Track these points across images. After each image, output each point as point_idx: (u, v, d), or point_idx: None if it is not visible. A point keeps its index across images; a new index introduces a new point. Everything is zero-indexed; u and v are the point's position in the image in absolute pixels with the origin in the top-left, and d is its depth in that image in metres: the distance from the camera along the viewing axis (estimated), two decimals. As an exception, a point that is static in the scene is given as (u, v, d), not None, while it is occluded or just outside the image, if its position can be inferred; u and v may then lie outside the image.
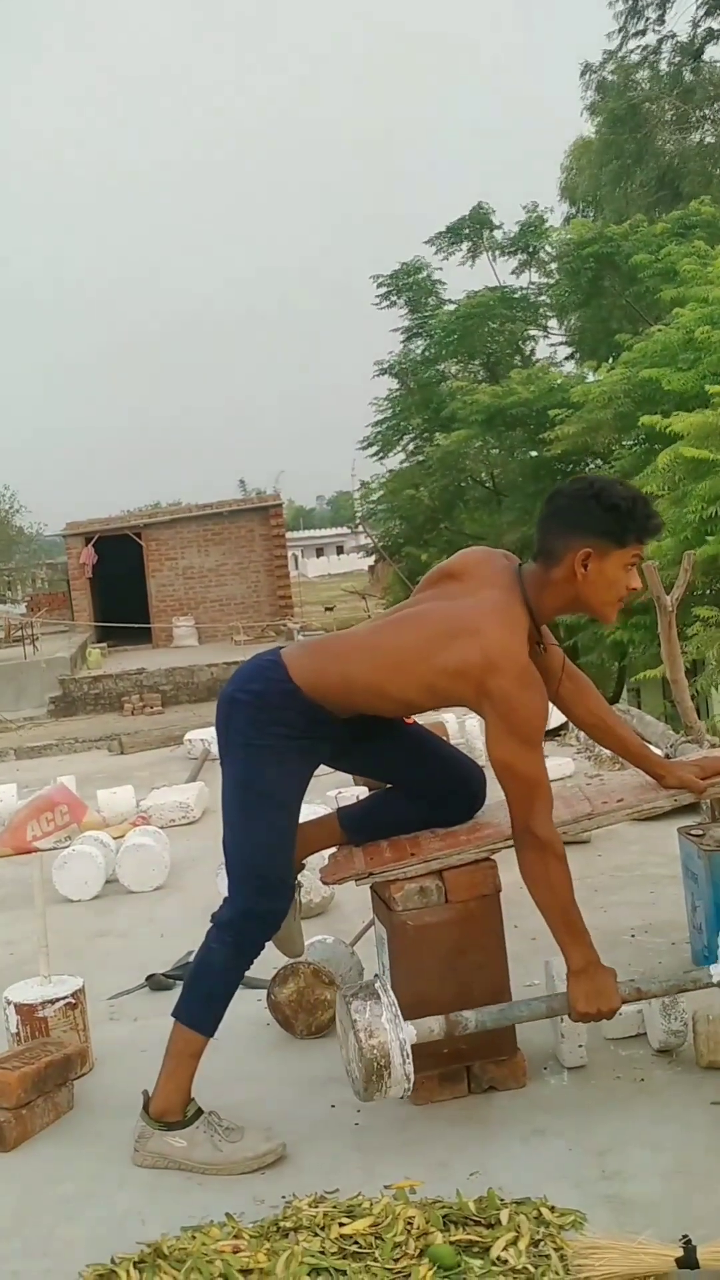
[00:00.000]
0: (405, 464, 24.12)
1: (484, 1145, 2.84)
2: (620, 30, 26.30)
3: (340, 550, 64.21)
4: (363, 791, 6.60)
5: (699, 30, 25.93)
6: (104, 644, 22.08)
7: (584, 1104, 2.99)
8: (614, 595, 2.93)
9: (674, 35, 26.18)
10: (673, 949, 3.99)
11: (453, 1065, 3.06)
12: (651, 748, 6.35)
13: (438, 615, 2.95)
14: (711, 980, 2.93)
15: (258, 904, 2.99)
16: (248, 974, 3.06)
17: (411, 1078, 2.70)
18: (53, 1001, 3.57)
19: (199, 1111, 2.95)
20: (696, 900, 3.74)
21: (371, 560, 33.09)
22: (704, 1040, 3.07)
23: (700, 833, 3.78)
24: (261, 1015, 3.76)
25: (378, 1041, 2.67)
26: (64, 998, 3.59)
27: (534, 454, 19.18)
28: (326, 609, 31.46)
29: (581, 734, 7.87)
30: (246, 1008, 3.79)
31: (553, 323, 24.19)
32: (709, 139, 25.09)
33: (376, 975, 2.83)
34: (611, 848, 5.44)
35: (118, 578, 23.79)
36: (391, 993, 2.77)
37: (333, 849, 3.36)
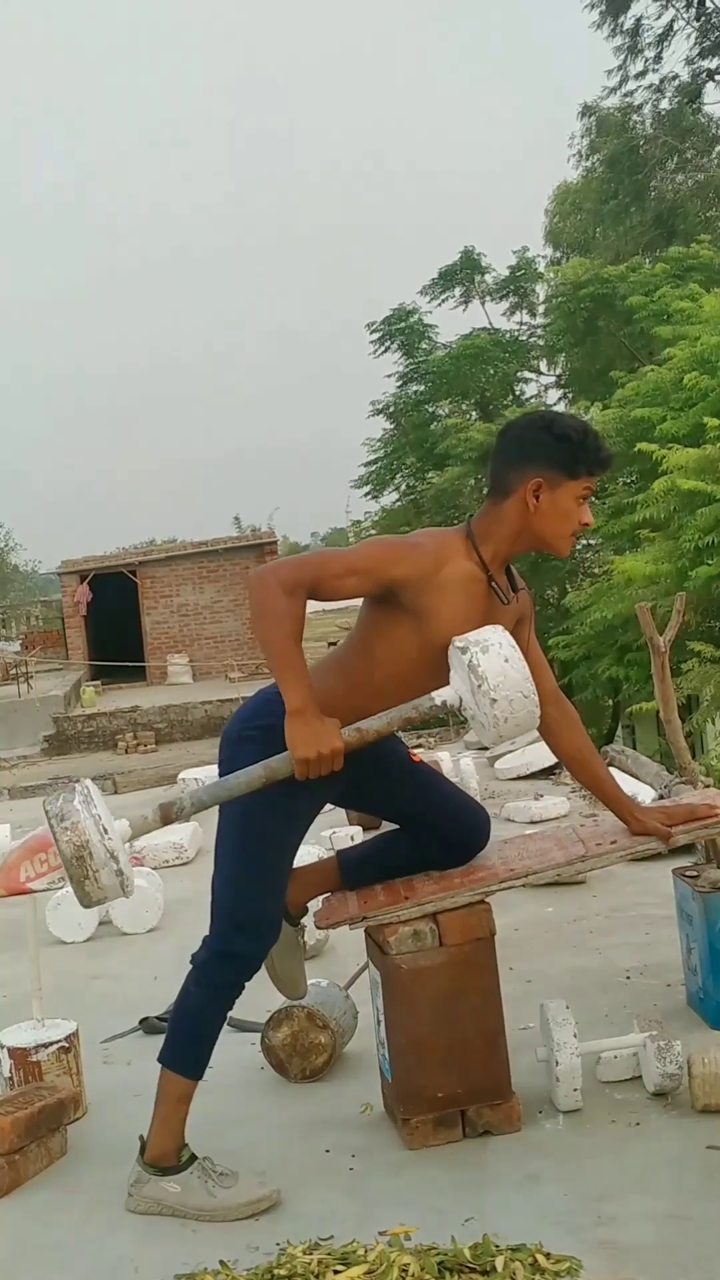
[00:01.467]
0: (398, 502, 24.23)
1: (479, 1191, 2.83)
2: (619, 69, 26.65)
3: (335, 587, 64.01)
4: (357, 832, 6.61)
5: (697, 72, 26.28)
6: (98, 682, 22.07)
7: (579, 1148, 2.98)
8: (567, 528, 2.93)
9: (676, 75, 26.53)
10: (668, 991, 3.98)
11: (447, 1110, 3.05)
12: (645, 788, 6.38)
13: None
14: (434, 703, 2.79)
15: (236, 945, 2.94)
16: (242, 1018, 3.05)
17: (119, 858, 2.60)
18: (46, 1045, 3.56)
19: (193, 1157, 2.93)
20: (691, 942, 3.74)
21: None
22: (699, 1083, 3.06)
23: (695, 874, 3.78)
24: (256, 1059, 3.74)
25: (70, 823, 2.58)
26: (58, 1042, 3.58)
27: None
28: (330, 644, 31.49)
29: (571, 775, 7.88)
30: (241, 1051, 3.78)
31: (544, 363, 24.36)
32: (703, 178, 25.33)
33: (81, 779, 2.78)
34: (607, 889, 5.44)
35: (112, 615, 23.83)
36: (91, 784, 2.70)
37: (328, 893, 3.35)
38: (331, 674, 2.98)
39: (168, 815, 2.76)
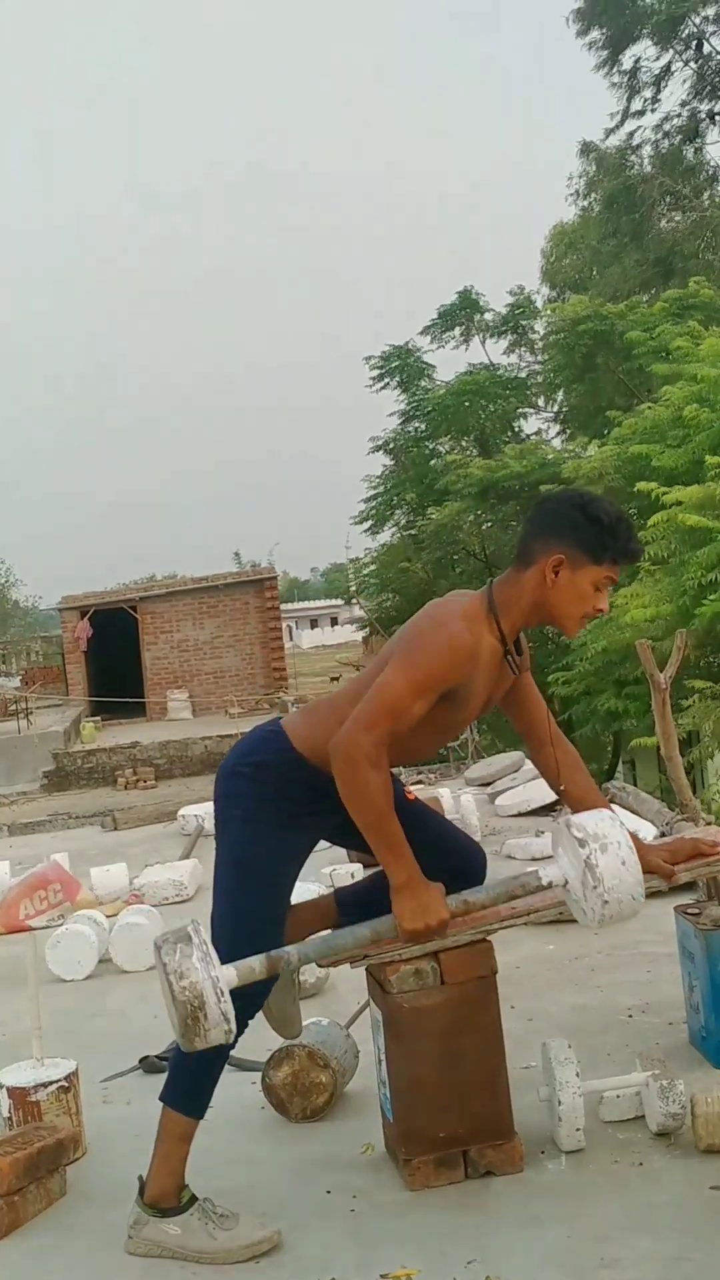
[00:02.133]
0: (398, 538, 24.31)
1: (481, 1232, 2.81)
2: (620, 112, 26.97)
3: (334, 622, 64.35)
4: (357, 869, 6.60)
5: (692, 112, 26.58)
6: (98, 717, 22.04)
7: (582, 1189, 2.96)
8: (578, 610, 2.93)
9: (678, 114, 26.84)
10: (670, 1029, 3.97)
11: (449, 1150, 3.03)
12: (646, 825, 6.37)
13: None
14: (541, 882, 2.84)
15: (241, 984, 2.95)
16: (242, 1057, 3.04)
17: (231, 1019, 2.61)
18: (45, 1085, 3.54)
19: (193, 1198, 2.91)
20: (693, 979, 3.73)
21: (365, 632, 33.21)
22: (702, 1123, 3.05)
23: (697, 911, 3.77)
24: (256, 1098, 3.72)
25: (189, 982, 2.59)
26: (57, 1081, 3.56)
27: (526, 528, 19.30)
28: (332, 679, 31.49)
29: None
30: (241, 1090, 3.76)
31: (543, 399, 24.52)
32: (698, 217, 25.57)
33: (193, 921, 2.77)
34: (608, 927, 5.41)
35: (112, 651, 23.85)
36: (204, 934, 2.71)
37: (328, 930, 3.34)
38: (333, 722, 2.98)
39: (274, 967, 2.80)
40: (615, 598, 12.49)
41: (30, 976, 3.75)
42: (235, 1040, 2.95)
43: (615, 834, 2.76)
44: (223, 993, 2.61)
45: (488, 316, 24.69)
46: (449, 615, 2.88)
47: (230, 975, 2.69)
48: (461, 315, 24.61)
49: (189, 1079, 2.95)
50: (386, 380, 24.34)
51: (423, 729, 2.91)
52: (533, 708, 3.14)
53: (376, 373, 24.34)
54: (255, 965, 2.76)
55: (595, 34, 26.51)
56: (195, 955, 2.63)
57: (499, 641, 2.93)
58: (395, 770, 3.01)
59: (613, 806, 3.19)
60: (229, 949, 2.96)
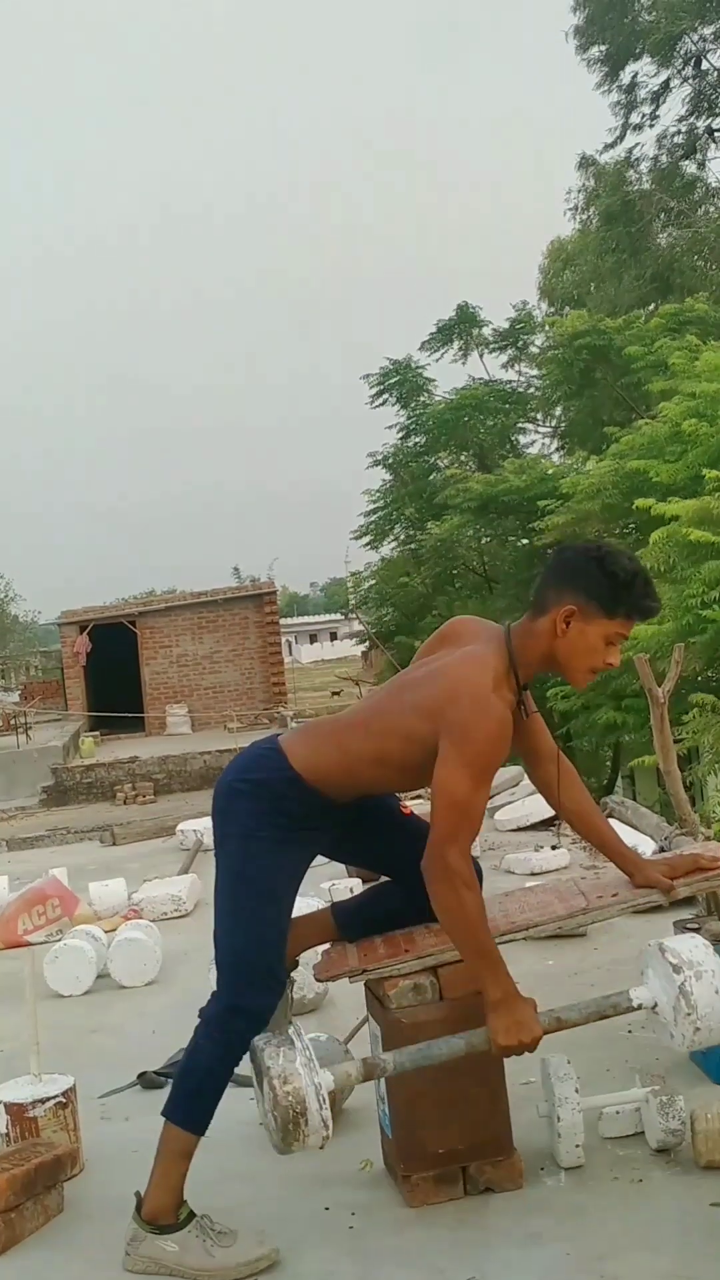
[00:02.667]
0: (397, 551, 24.35)
1: (481, 1250, 2.80)
2: (619, 126, 27.09)
3: (334, 636, 64.38)
4: (356, 884, 6.58)
5: (689, 128, 26.70)
6: (97, 732, 22.03)
7: (582, 1206, 2.95)
8: (588, 663, 2.93)
9: (678, 131, 26.97)
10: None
11: (448, 1167, 3.02)
12: (645, 839, 6.36)
13: (421, 670, 3.02)
14: (632, 1004, 2.86)
15: (246, 1000, 2.94)
16: (241, 1072, 3.03)
17: (330, 1124, 2.61)
18: (43, 1101, 3.53)
19: (191, 1214, 2.90)
20: (693, 995, 3.71)
21: (365, 646, 33.22)
22: (702, 1139, 3.04)
23: (696, 926, 3.77)
24: (254, 1114, 3.70)
25: (293, 1088, 2.58)
26: (55, 1097, 3.55)
27: (525, 543, 19.36)
28: (333, 693, 31.48)
29: (573, 830, 7.85)
30: (239, 1106, 3.74)
31: (541, 414, 24.59)
32: (694, 233, 25.67)
33: (292, 1022, 2.77)
34: (608, 941, 5.41)
35: (112, 666, 23.83)
36: (306, 1038, 2.70)
37: (327, 945, 3.34)
38: (332, 751, 3.00)
39: (370, 1073, 2.81)
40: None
41: (28, 992, 3.74)
42: (239, 1059, 2.96)
43: (711, 962, 2.78)
44: (325, 1100, 2.61)
45: (485, 331, 24.79)
46: (489, 695, 2.81)
47: (329, 1080, 2.69)
48: (459, 329, 24.70)
49: (193, 1094, 2.94)
50: (385, 396, 24.41)
51: (416, 761, 2.90)
52: (532, 727, 3.14)
53: (376, 389, 24.42)
54: (352, 1071, 2.78)
55: (594, 51, 26.64)
56: (299, 1060, 2.63)
57: (514, 693, 2.92)
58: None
59: (610, 822, 3.20)
60: (232, 966, 2.97)
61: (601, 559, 2.90)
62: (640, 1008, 2.87)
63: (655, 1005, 2.84)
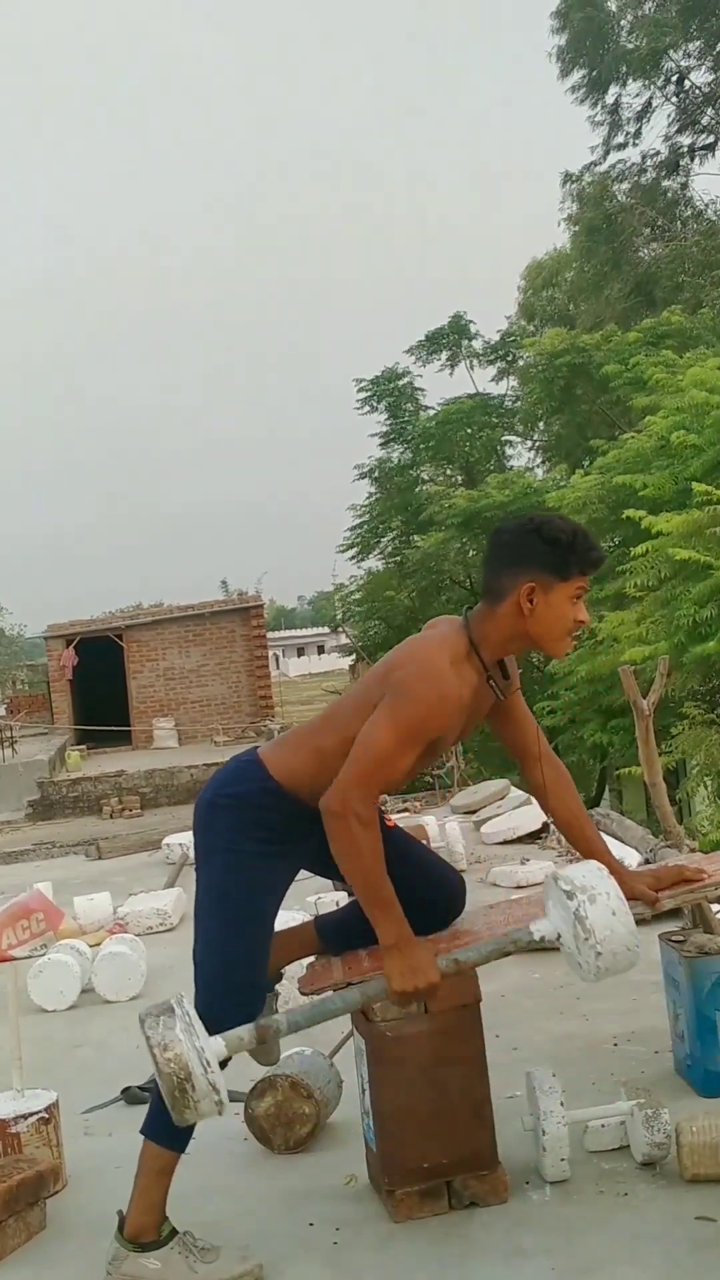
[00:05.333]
0: (384, 565, 24.38)
1: (465, 1265, 2.78)
2: (602, 145, 27.24)
3: (321, 650, 64.32)
4: (342, 897, 6.57)
5: (674, 147, 26.87)
6: (83, 746, 21.96)
7: (567, 1220, 2.93)
8: (562, 628, 2.95)
9: (656, 153, 27.15)
10: (656, 1057, 3.95)
11: (433, 1181, 3.01)
12: (630, 851, 6.36)
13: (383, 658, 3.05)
14: (533, 937, 2.80)
15: (224, 1016, 2.88)
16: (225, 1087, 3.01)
17: (221, 1089, 2.58)
18: (26, 1116, 3.51)
19: (174, 1231, 2.88)
20: (678, 1008, 3.72)
21: (352, 660, 33.21)
22: (688, 1152, 3.03)
23: (681, 939, 3.76)
24: (239, 1129, 3.69)
25: (174, 1054, 2.56)
26: (37, 1112, 3.52)
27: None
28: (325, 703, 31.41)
29: (563, 839, 7.85)
30: (223, 1122, 3.71)
31: (525, 430, 24.68)
32: (676, 247, 25.82)
33: (181, 995, 2.73)
34: (593, 953, 5.39)
35: (98, 679, 23.77)
36: (190, 1005, 2.66)
37: (310, 958, 3.33)
38: (306, 751, 2.99)
39: (264, 1036, 2.76)
40: (604, 626, 12.50)
41: (11, 1006, 3.72)
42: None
43: (603, 885, 2.73)
44: (209, 1063, 2.57)
45: (475, 344, 24.89)
46: (437, 664, 2.85)
47: (218, 1046, 2.65)
48: (449, 339, 24.79)
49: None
50: (373, 404, 24.46)
51: None
52: (523, 727, 3.14)
53: (365, 396, 24.46)
54: (244, 1035, 2.74)
55: (577, 75, 26.80)
56: (179, 1027, 2.59)
57: (480, 672, 2.94)
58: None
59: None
60: (209, 982, 2.95)
61: (539, 529, 2.93)
62: (542, 940, 2.80)
63: (559, 937, 2.77)
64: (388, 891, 2.81)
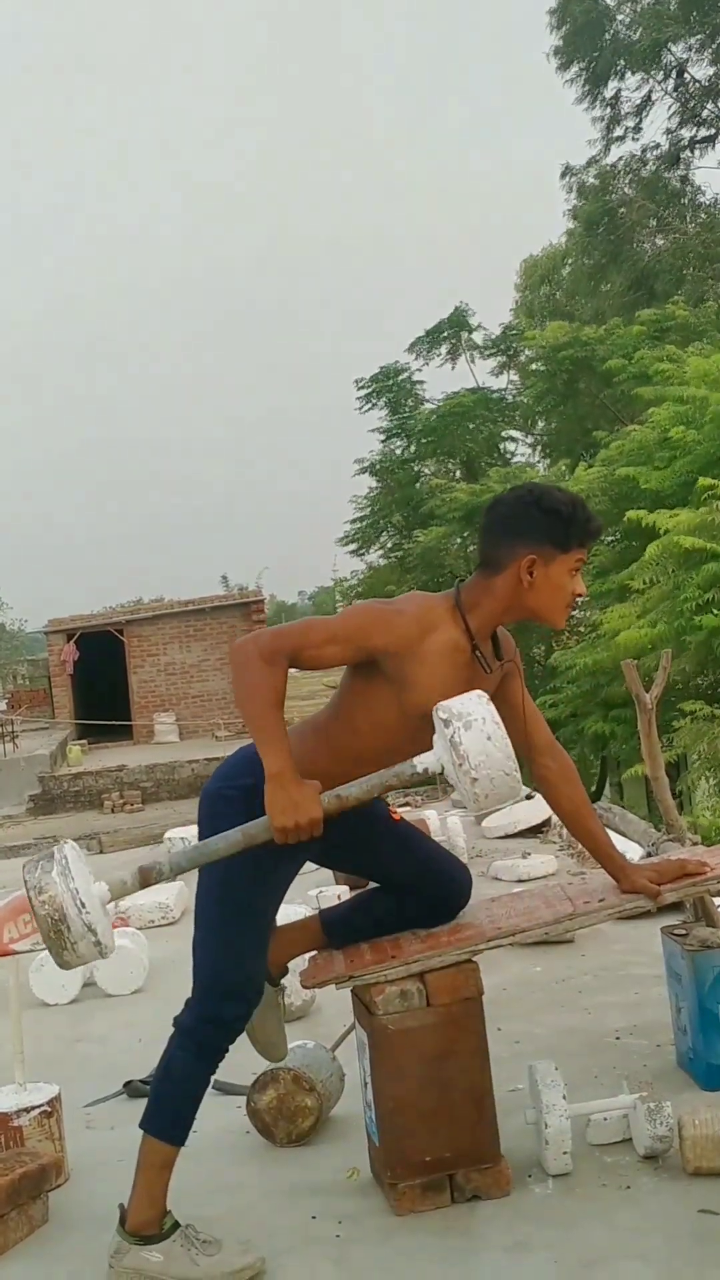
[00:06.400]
0: (384, 559, 24.37)
1: (468, 1258, 2.78)
2: (603, 138, 27.18)
3: (322, 645, 64.11)
4: (344, 890, 6.57)
5: (674, 140, 26.81)
6: (84, 741, 21.98)
7: (569, 1213, 2.93)
8: (561, 600, 2.93)
9: (657, 146, 27.09)
10: (658, 1051, 3.95)
11: (435, 1174, 3.01)
12: (632, 845, 6.35)
13: None
14: (416, 770, 2.73)
15: (221, 1009, 2.91)
16: (227, 1080, 3.02)
17: (99, 931, 2.55)
18: (28, 1110, 3.51)
19: (176, 1224, 2.87)
20: (680, 1001, 3.71)
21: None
22: (690, 1145, 3.02)
23: (683, 932, 3.76)
24: (241, 1123, 3.69)
25: (48, 896, 2.53)
26: (39, 1106, 3.53)
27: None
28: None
29: (564, 832, 7.86)
30: (226, 1115, 3.73)
31: (526, 425, 24.65)
32: (676, 239, 25.77)
33: (64, 841, 2.71)
34: (595, 948, 5.40)
35: (99, 674, 23.79)
36: (72, 850, 2.64)
37: (314, 952, 3.32)
38: (312, 738, 2.98)
39: (147, 878, 2.73)
40: (607, 618, 12.49)
41: (13, 1000, 3.71)
42: (213, 1068, 2.92)
43: (480, 710, 2.65)
44: (84, 904, 2.53)
45: (476, 337, 24.86)
46: (394, 599, 2.92)
47: (101, 889, 2.62)
48: (450, 333, 24.76)
49: (169, 1105, 2.92)
50: (374, 400, 24.44)
51: (379, 717, 2.88)
52: (526, 717, 3.11)
53: (365, 392, 24.45)
54: (127, 879, 2.72)
55: (575, 69, 26.72)
56: (55, 870, 2.56)
57: (464, 636, 2.90)
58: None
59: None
60: (208, 976, 2.94)
61: (538, 500, 2.91)
62: (426, 772, 2.74)
63: (443, 769, 2.70)
64: (276, 726, 2.74)
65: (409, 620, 2.84)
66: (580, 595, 2.95)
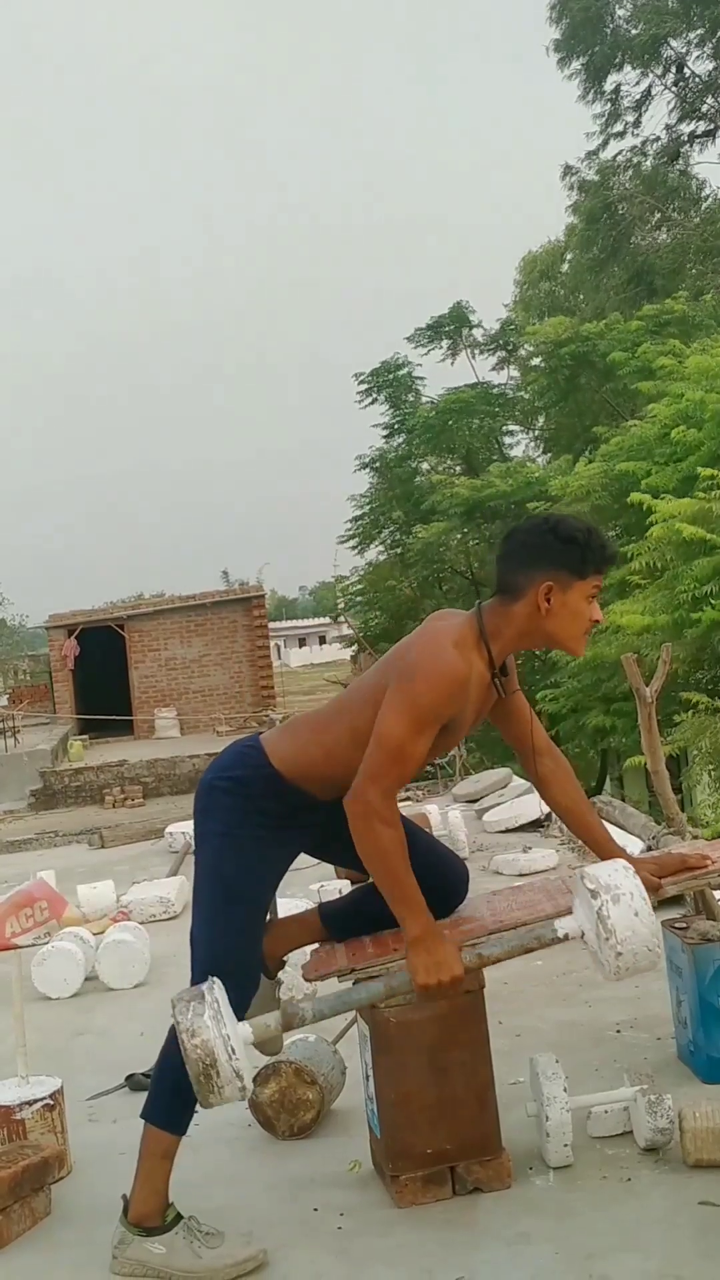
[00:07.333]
0: (384, 556, 24.33)
1: (469, 1250, 2.79)
2: (601, 133, 27.13)
3: (323, 640, 64.24)
4: (345, 885, 6.57)
5: (674, 135, 26.77)
6: (86, 736, 21.98)
7: (570, 1206, 2.94)
8: (579, 627, 2.97)
9: (658, 139, 27.05)
10: (658, 1044, 3.96)
11: (437, 1166, 3.02)
12: (633, 840, 6.36)
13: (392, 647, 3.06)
14: (557, 935, 2.81)
15: None
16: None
17: (245, 1076, 2.60)
18: (31, 1103, 3.52)
19: (178, 1216, 2.89)
20: (681, 995, 3.72)
21: (353, 650, 33.20)
22: (691, 1138, 3.04)
23: (684, 926, 3.77)
24: (243, 1116, 3.70)
25: (200, 1041, 2.58)
26: (42, 1099, 3.54)
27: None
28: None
29: (564, 826, 7.85)
30: (227, 1108, 3.73)
31: (527, 420, 24.61)
32: (678, 234, 25.73)
33: (212, 981, 2.74)
34: (595, 941, 5.40)
35: (100, 669, 23.78)
36: (220, 991, 2.68)
37: (315, 945, 3.33)
38: (312, 742, 3.00)
39: (290, 1023, 2.78)
40: (606, 614, 12.48)
41: (15, 994, 3.72)
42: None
43: (628, 884, 2.73)
44: (234, 1050, 2.59)
45: (476, 333, 24.81)
46: (443, 645, 2.88)
47: (245, 1032, 2.67)
48: (449, 329, 24.71)
49: (171, 1095, 2.92)
50: (374, 395, 24.38)
51: None
52: (521, 719, 3.15)
53: (365, 387, 24.38)
54: (270, 1022, 2.76)
55: (575, 64, 26.67)
56: (207, 1014, 2.61)
57: (488, 667, 2.95)
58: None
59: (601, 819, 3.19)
60: (206, 964, 2.95)
61: (555, 529, 2.95)
62: (566, 938, 2.80)
63: (583, 934, 2.77)
64: (412, 888, 2.83)
65: (463, 680, 2.87)
66: (597, 621, 2.99)
